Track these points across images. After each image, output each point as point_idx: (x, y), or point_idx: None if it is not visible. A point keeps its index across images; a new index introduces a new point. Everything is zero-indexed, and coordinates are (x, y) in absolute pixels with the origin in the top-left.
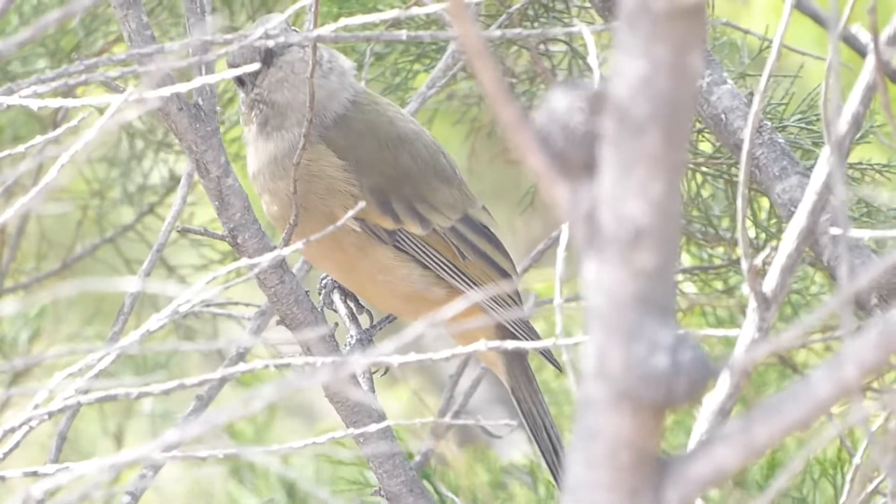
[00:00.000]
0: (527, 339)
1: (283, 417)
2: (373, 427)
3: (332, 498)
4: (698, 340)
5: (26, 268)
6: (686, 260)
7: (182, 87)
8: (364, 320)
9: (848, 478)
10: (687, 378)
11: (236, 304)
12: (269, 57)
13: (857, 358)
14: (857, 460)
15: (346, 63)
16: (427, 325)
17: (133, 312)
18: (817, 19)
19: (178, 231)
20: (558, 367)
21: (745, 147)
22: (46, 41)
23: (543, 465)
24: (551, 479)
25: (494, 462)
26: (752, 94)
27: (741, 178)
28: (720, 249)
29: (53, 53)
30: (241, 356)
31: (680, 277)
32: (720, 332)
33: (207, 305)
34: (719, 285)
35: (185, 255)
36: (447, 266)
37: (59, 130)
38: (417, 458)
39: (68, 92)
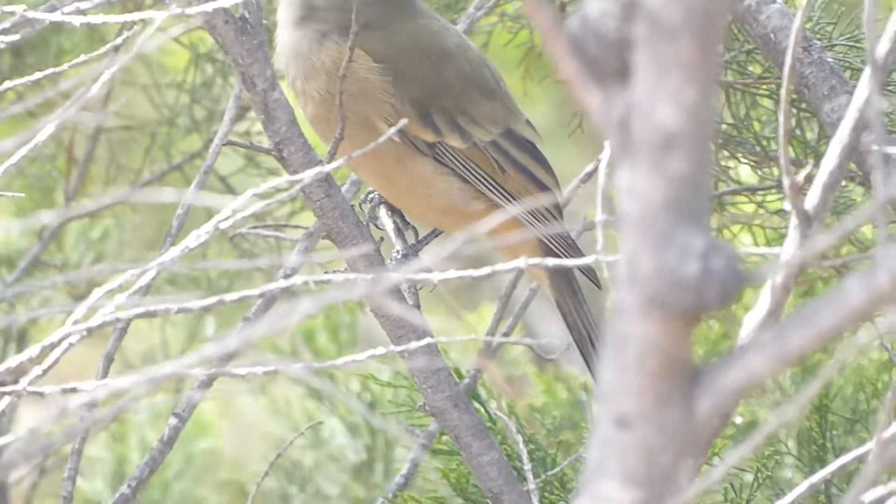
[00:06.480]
0: (568, 255)
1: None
2: (414, 344)
3: (381, 421)
4: (732, 247)
5: (94, 192)
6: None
7: (227, 2)
8: (410, 236)
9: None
10: (718, 285)
11: (285, 225)
12: None
13: (890, 266)
14: None
15: None
16: (466, 239)
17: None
18: None
19: (225, 144)
20: (599, 286)
21: (787, 60)
22: None
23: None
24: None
25: (573, 380)
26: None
27: (783, 92)
28: (774, 171)
29: None
30: (289, 277)
31: (729, 199)
32: (761, 249)
33: (256, 227)
34: (775, 206)
35: (253, 183)
36: (486, 180)
37: (103, 48)
38: (466, 379)
39: (111, 9)
